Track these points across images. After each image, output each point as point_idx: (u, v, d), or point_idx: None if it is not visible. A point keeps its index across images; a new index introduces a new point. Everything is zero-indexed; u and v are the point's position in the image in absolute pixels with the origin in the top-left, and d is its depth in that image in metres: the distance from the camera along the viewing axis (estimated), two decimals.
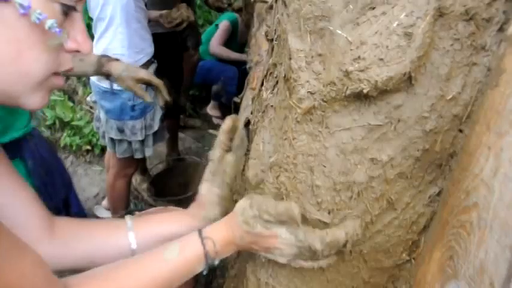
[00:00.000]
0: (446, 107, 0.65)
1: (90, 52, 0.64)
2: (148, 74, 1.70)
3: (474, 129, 0.63)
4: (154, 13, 2.39)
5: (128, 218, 0.86)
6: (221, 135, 0.94)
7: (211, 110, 4.04)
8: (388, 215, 0.74)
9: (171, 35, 2.51)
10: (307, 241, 0.72)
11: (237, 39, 4.00)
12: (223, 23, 3.88)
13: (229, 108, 3.35)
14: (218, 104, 3.95)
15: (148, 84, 1.73)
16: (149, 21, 2.23)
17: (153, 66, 2.15)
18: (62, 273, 0.69)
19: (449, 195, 0.69)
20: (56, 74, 0.62)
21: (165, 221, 0.88)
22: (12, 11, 0.52)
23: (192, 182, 2.75)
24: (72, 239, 0.81)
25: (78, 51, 0.63)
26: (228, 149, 0.96)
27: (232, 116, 0.99)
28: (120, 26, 1.92)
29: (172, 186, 2.75)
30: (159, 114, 2.21)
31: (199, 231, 0.77)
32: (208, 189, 0.92)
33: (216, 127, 3.72)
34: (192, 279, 0.76)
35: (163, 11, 2.40)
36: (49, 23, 0.54)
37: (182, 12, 2.27)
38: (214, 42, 3.80)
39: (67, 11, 0.58)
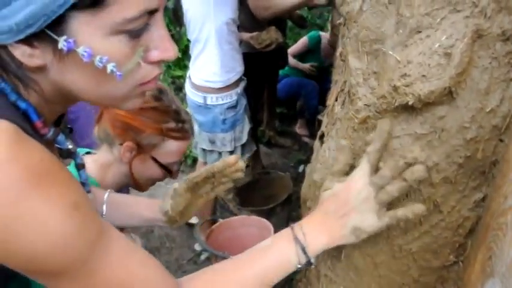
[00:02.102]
0: (485, 119, 0.72)
1: (174, 58, 0.61)
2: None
3: None
4: (246, 35, 2.59)
5: (107, 192, 1.02)
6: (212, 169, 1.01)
7: (299, 129, 4.19)
8: (435, 217, 0.81)
9: (260, 55, 2.70)
10: (366, 161, 0.77)
11: (318, 56, 4.20)
12: (302, 39, 4.25)
13: (314, 124, 3.48)
14: (305, 122, 4.09)
15: None
16: (241, 42, 2.44)
17: (243, 84, 2.35)
18: None
19: (491, 200, 0.75)
20: (143, 84, 0.61)
21: (133, 204, 1.04)
22: (79, 57, 0.52)
23: (275, 194, 2.88)
24: None
25: (161, 61, 0.60)
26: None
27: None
28: (214, 47, 2.13)
29: (257, 197, 2.90)
30: (247, 127, 2.39)
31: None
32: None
33: (305, 146, 3.85)
34: None
35: (254, 33, 2.60)
36: (110, 67, 0.53)
37: (271, 35, 2.45)
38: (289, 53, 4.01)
39: (151, 15, 0.55)
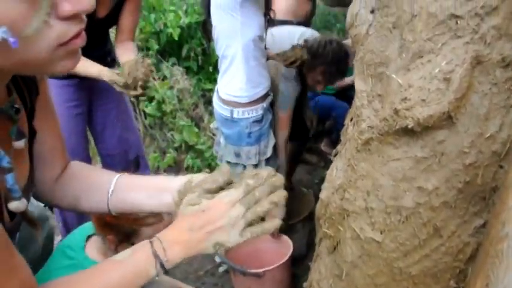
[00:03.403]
0: (485, 144, 0.72)
1: (89, 9, 0.54)
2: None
3: (511, 165, 0.69)
4: (272, 52, 2.64)
5: (118, 175, 0.93)
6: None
7: (324, 146, 4.17)
8: (435, 241, 0.81)
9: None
10: (241, 183, 0.75)
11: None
12: None
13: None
14: (331, 140, 4.08)
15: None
16: (268, 58, 2.48)
17: (269, 99, 2.38)
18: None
19: (491, 226, 0.74)
20: (62, 44, 0.54)
21: (143, 187, 0.93)
22: None
23: (297, 210, 2.89)
24: (71, 180, 0.90)
25: (76, 14, 0.53)
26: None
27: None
28: (240, 63, 2.18)
29: None
30: (272, 142, 2.42)
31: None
32: None
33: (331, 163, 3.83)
34: None
35: (280, 51, 2.65)
36: (0, 32, 0.47)
37: (296, 52, 2.48)
38: None
39: None
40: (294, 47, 2.52)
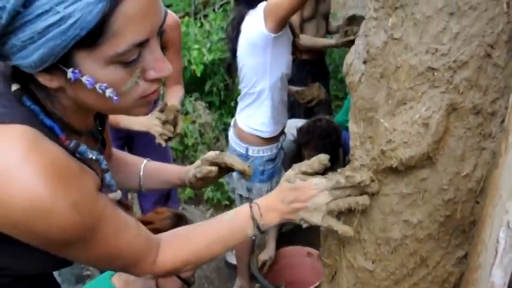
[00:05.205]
0: (462, 182, 0.80)
1: (169, 76, 0.71)
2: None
3: (485, 201, 0.77)
4: (293, 89, 2.75)
5: (145, 161, 1.19)
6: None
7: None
8: (422, 270, 0.88)
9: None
10: (334, 177, 0.89)
11: None
12: None
13: None
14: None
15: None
16: (289, 94, 2.58)
17: (283, 137, 2.47)
18: None
19: (470, 257, 0.81)
20: (143, 97, 0.72)
21: (164, 171, 1.21)
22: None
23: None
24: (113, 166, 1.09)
25: (158, 78, 0.71)
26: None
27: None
28: (266, 100, 2.24)
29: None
30: None
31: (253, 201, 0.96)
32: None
33: None
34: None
35: (299, 89, 2.76)
36: (108, 92, 0.66)
37: (313, 91, 2.61)
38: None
39: (141, 46, 0.65)
40: (311, 86, 2.64)
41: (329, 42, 3.17)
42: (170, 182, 1.21)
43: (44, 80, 0.66)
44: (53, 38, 0.58)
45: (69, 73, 0.63)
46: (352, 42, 2.83)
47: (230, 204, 3.34)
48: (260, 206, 0.92)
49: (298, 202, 0.90)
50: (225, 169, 1.16)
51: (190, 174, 1.15)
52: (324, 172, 0.94)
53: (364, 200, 0.89)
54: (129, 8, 0.60)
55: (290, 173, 0.94)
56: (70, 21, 0.57)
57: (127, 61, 0.65)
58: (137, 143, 2.29)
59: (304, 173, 0.93)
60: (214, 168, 1.12)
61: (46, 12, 0.56)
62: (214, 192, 3.31)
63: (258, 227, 0.92)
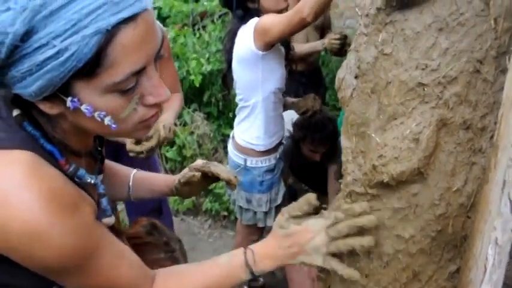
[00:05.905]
0: (453, 197, 0.80)
1: (167, 100, 0.73)
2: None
3: (476, 216, 0.77)
4: (289, 100, 2.75)
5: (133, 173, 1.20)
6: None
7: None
8: (415, 285, 0.88)
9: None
10: (331, 214, 0.88)
11: None
12: None
13: None
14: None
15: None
16: (284, 106, 2.59)
17: (282, 148, 2.48)
18: None
19: (462, 272, 0.81)
20: (142, 121, 0.73)
21: (153, 180, 1.22)
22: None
23: None
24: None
25: (157, 104, 0.72)
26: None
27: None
28: (260, 113, 2.25)
29: None
30: (282, 190, 2.50)
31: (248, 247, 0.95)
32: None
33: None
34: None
35: (295, 100, 2.77)
36: (106, 121, 0.68)
37: (307, 102, 2.61)
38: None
39: (138, 74, 0.66)
40: (306, 97, 2.65)
41: (315, 45, 3.10)
42: (159, 191, 1.23)
43: (45, 107, 0.67)
44: (51, 70, 0.60)
45: (69, 102, 0.65)
46: (341, 48, 2.85)
47: (229, 215, 3.33)
48: (255, 253, 0.93)
49: (296, 247, 0.90)
50: (212, 178, 1.18)
51: (176, 181, 1.17)
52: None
53: (369, 241, 0.86)
54: (125, 38, 0.62)
55: (280, 218, 0.94)
56: (67, 54, 0.59)
57: (125, 89, 0.66)
58: (125, 154, 2.28)
59: (295, 218, 0.93)
60: (197, 173, 1.14)
61: (43, 46, 0.58)
62: (212, 203, 3.30)
63: (252, 273, 0.92)
